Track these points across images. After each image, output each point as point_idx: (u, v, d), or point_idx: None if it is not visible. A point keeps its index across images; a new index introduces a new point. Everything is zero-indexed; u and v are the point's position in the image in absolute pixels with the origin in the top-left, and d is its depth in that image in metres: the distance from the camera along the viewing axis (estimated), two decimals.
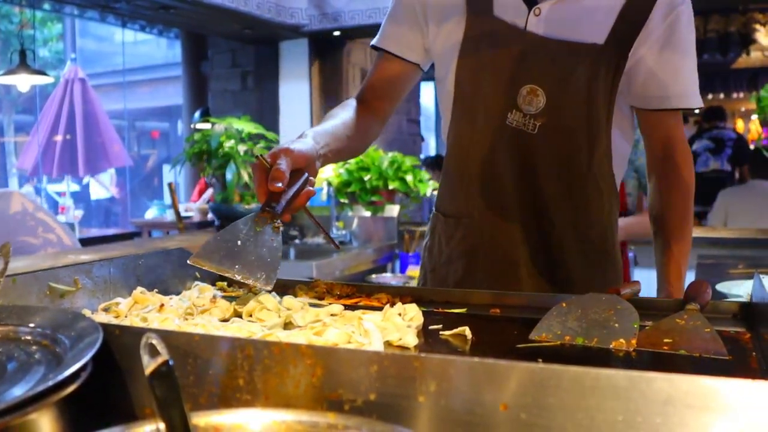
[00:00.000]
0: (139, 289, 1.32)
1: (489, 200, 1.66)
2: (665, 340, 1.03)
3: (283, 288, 1.56)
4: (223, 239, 1.26)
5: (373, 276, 4.53)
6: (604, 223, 1.64)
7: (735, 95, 9.16)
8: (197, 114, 6.53)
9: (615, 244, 1.69)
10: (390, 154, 5.11)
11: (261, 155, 1.30)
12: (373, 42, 1.78)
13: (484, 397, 0.64)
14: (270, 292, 1.25)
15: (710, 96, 9.01)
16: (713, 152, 7.23)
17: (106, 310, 1.27)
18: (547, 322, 1.12)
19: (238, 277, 1.20)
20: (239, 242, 1.25)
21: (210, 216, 5.23)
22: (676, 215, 1.66)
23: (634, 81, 1.58)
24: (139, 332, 0.84)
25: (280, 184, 1.24)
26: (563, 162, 1.58)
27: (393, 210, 5.05)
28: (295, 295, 1.49)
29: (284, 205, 1.28)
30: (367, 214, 5.07)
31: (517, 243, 1.64)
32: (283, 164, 1.26)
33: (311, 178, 1.36)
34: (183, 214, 5.20)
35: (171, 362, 0.66)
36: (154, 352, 0.67)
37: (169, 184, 4.88)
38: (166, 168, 8.32)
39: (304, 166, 1.33)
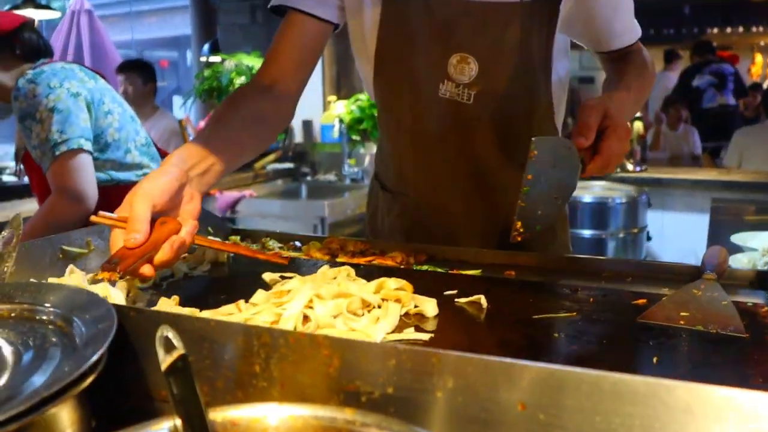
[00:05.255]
0: None
1: (424, 176, 1.60)
2: (682, 314, 1.02)
3: (299, 243, 1.56)
4: None
5: None
6: None
7: (754, 29, 8.92)
8: (206, 47, 6.43)
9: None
10: None
11: (100, 213, 1.06)
12: (276, 1, 1.50)
13: (501, 395, 0.63)
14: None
15: (729, 30, 8.80)
16: (717, 87, 7.13)
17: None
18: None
19: None
20: None
21: None
22: (633, 66, 1.54)
23: (574, 26, 1.52)
24: (154, 315, 0.84)
25: (139, 236, 1.00)
26: (503, 128, 1.51)
27: None
28: (309, 252, 1.49)
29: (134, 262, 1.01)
30: None
31: (458, 217, 1.59)
32: (142, 210, 1.02)
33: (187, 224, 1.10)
34: None
35: (187, 356, 0.66)
36: (169, 345, 0.67)
37: (180, 121, 4.85)
38: (176, 101, 8.22)
39: (170, 207, 1.10)
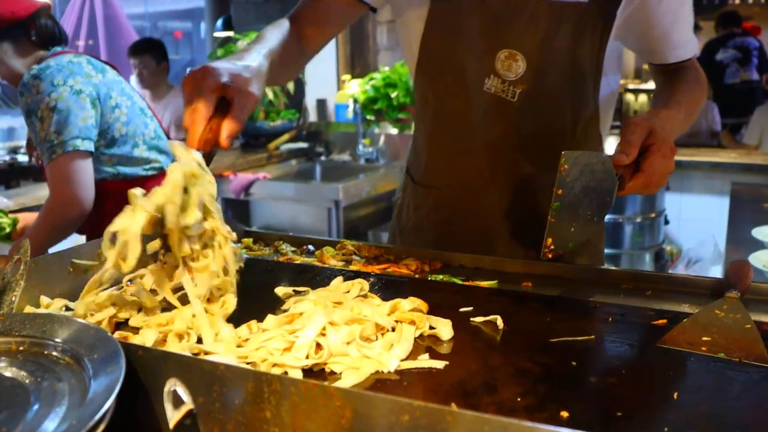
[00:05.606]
0: None
1: (462, 172, 1.57)
2: (704, 339, 0.99)
3: (312, 248, 1.54)
4: None
5: None
6: None
7: None
8: (219, 23, 6.38)
9: None
10: None
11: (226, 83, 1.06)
12: None
13: None
14: None
15: (751, 0, 8.61)
16: (741, 62, 6.97)
17: (131, 281, 1.26)
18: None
19: None
20: None
21: None
22: (684, 83, 1.50)
23: (630, 34, 1.48)
24: (162, 355, 0.83)
25: (238, 128, 1.07)
26: (546, 130, 1.48)
27: None
28: (322, 258, 1.47)
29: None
30: (394, 131, 4.99)
31: (494, 216, 1.56)
32: (244, 113, 1.08)
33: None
34: None
35: (195, 413, 0.64)
36: (178, 400, 0.65)
37: None
38: None
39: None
